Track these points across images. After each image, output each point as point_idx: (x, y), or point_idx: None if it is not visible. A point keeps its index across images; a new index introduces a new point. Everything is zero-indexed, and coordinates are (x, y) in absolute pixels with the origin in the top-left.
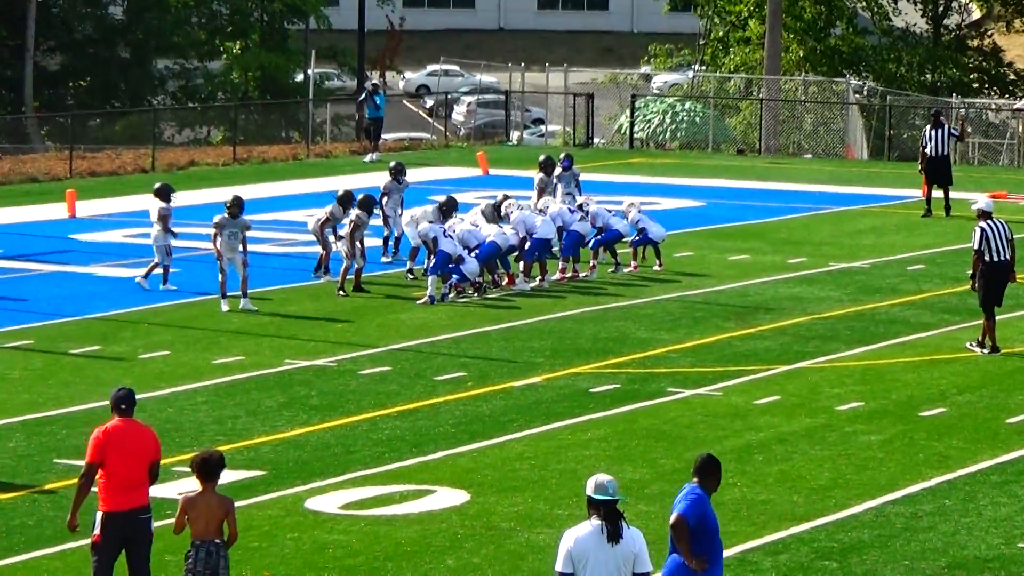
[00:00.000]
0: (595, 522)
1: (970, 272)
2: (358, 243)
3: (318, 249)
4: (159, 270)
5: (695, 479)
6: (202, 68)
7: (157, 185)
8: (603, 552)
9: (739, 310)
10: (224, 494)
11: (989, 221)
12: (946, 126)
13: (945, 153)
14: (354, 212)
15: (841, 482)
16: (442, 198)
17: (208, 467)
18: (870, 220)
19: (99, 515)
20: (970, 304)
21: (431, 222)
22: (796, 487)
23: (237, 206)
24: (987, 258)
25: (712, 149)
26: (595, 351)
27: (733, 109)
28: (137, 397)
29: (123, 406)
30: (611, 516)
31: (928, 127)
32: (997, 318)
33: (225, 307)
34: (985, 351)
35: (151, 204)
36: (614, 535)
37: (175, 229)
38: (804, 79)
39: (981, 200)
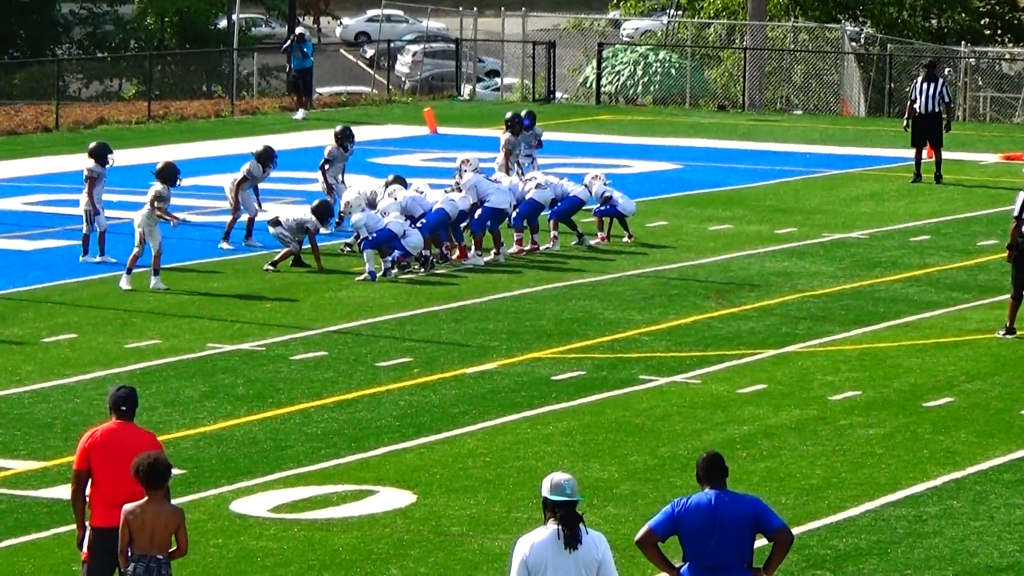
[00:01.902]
0: (552, 526)
1: (1008, 242)
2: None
3: (242, 217)
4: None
5: (707, 485)
6: (112, 13)
7: (92, 144)
8: (563, 560)
9: (720, 287)
10: (173, 503)
11: None
12: (941, 81)
13: (936, 111)
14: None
15: (835, 481)
16: (389, 177)
17: (155, 473)
18: (868, 185)
19: (87, 530)
20: (981, 280)
21: (364, 209)
22: (785, 487)
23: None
24: None
25: (689, 105)
26: (557, 334)
27: (713, 59)
28: (39, 387)
29: (123, 407)
30: (569, 519)
31: (920, 79)
32: None
33: (126, 285)
34: (1001, 333)
35: (85, 164)
36: (572, 540)
37: (107, 196)
38: (793, 25)
39: None
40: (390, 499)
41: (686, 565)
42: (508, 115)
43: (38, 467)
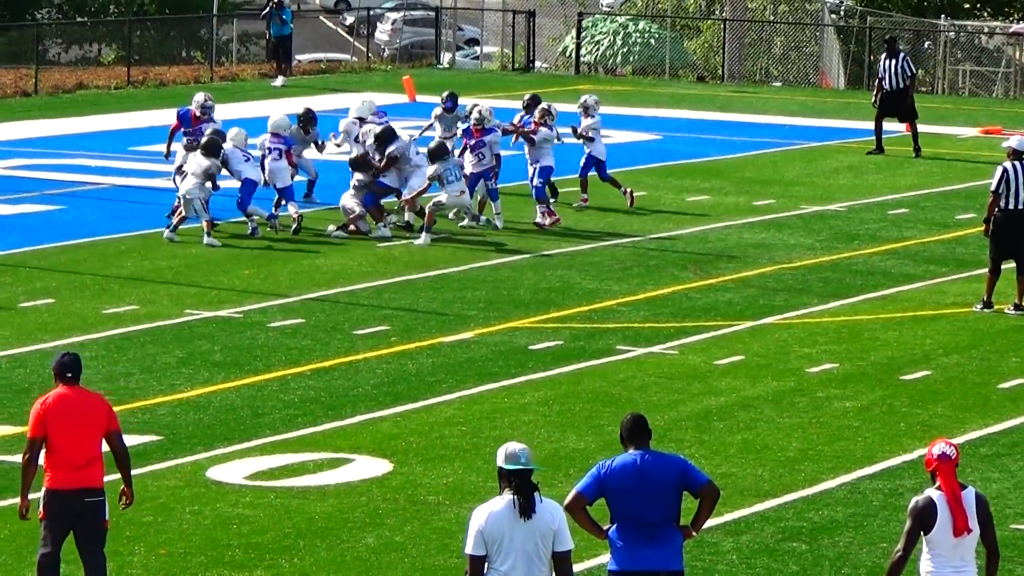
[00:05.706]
0: (507, 496)
1: (985, 216)
2: None
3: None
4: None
5: (631, 446)
6: None
7: (206, 139)
8: (519, 529)
9: (698, 258)
10: None
11: (1016, 162)
12: (902, 55)
13: (903, 86)
14: None
15: (812, 454)
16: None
17: None
18: (847, 157)
19: (43, 492)
20: (959, 254)
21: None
22: (761, 459)
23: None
24: (1003, 203)
25: (669, 75)
26: (535, 303)
27: (693, 30)
28: (17, 351)
29: (68, 373)
30: (523, 488)
31: (883, 57)
32: None
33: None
34: (978, 307)
35: (193, 157)
36: (526, 509)
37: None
38: None
39: (1014, 139)
40: (366, 467)
41: (614, 526)
42: (526, 97)
43: (16, 432)
